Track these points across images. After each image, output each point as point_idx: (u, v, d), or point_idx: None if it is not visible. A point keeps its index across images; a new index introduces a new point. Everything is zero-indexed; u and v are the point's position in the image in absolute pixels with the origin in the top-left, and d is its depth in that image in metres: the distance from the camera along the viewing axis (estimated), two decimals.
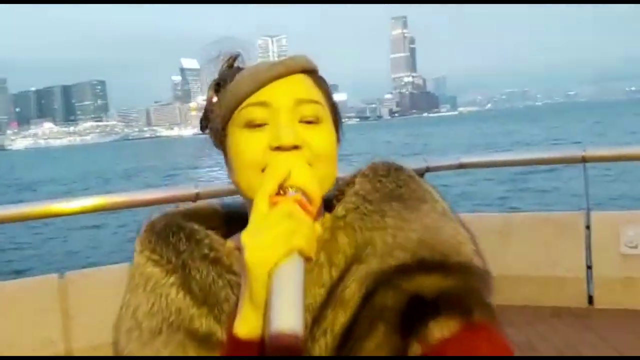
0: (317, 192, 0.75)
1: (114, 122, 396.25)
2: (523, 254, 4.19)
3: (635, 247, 3.90)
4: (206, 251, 0.81)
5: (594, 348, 3.45)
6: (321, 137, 0.81)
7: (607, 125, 59.53)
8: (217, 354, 0.74)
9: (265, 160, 0.79)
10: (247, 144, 0.81)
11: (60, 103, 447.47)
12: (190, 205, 0.94)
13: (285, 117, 0.80)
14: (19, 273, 11.29)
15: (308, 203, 0.73)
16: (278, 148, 0.78)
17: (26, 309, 3.35)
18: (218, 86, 0.88)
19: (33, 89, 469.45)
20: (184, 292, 0.79)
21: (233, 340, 0.69)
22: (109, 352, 2.93)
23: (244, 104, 0.82)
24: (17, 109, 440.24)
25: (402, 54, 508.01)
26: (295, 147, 0.78)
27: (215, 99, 0.88)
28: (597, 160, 4.19)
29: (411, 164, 4.31)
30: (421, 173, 4.17)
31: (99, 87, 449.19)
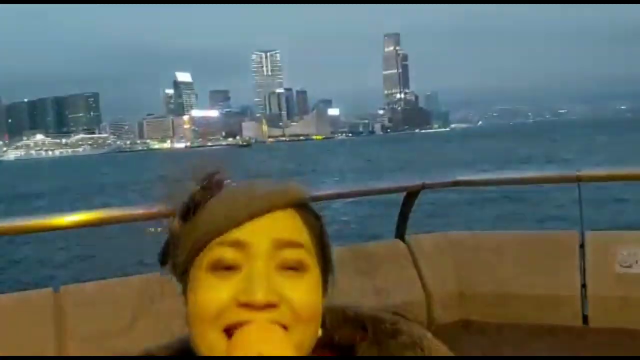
0: None
1: (106, 135, 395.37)
2: (518, 272, 4.21)
3: (630, 266, 3.93)
4: None
5: None
6: (304, 291, 0.70)
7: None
8: None
9: (230, 318, 0.67)
10: (211, 294, 0.68)
11: (53, 114, 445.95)
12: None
13: (262, 265, 0.68)
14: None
15: None
16: (247, 305, 0.67)
17: (20, 323, 3.32)
18: (186, 213, 0.73)
19: (26, 100, 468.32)
20: None
21: None
22: None
23: (213, 242, 0.70)
24: (9, 120, 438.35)
25: (394, 71, 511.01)
26: (270, 306, 0.67)
27: (180, 228, 0.74)
28: (592, 180, 4.25)
29: (408, 181, 4.36)
30: (417, 190, 4.20)
31: (92, 99, 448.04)
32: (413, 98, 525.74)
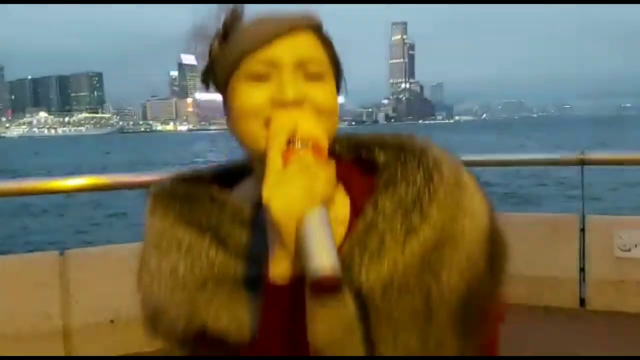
0: (325, 143, 0.79)
1: (109, 115, 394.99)
2: (518, 253, 4.18)
3: (629, 250, 3.97)
4: (232, 212, 0.84)
5: (586, 347, 3.50)
6: (324, 92, 0.83)
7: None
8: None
9: (268, 114, 0.80)
10: (250, 96, 0.82)
11: (56, 93, 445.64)
12: (186, 169, 0.96)
13: (289, 74, 0.81)
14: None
15: (319, 154, 0.77)
16: (281, 104, 0.80)
17: (27, 284, 3.37)
18: (223, 37, 0.85)
19: (30, 77, 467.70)
20: (222, 249, 0.83)
21: (269, 286, 0.74)
22: (106, 329, 2.97)
23: (247, 57, 0.82)
24: (13, 97, 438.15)
25: (400, 60, 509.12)
26: (298, 103, 0.80)
27: (219, 49, 0.86)
28: (596, 164, 4.26)
29: None
30: None
31: (96, 78, 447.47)
32: (418, 88, 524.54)
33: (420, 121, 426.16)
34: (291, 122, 0.78)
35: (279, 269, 0.74)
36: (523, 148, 42.15)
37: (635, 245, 3.93)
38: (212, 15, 0.87)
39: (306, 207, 0.70)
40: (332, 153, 0.86)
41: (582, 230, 4.13)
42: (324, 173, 0.74)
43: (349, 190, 0.87)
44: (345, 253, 0.78)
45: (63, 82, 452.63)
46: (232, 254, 0.82)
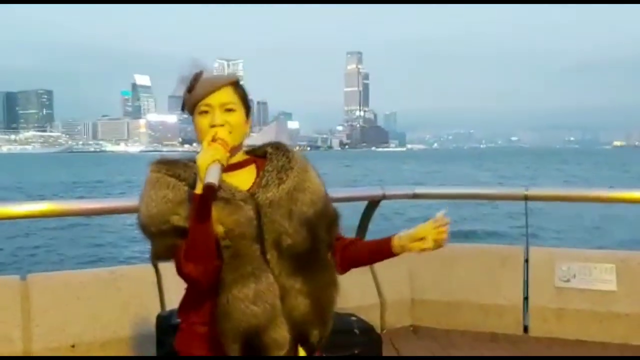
0: (230, 142, 1.58)
1: (58, 134, 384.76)
2: (466, 282, 4.47)
3: (568, 281, 4.25)
4: (193, 171, 1.58)
5: None
6: (234, 118, 1.65)
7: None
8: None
9: (210, 132, 1.60)
10: (201, 123, 1.65)
11: (3, 110, 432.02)
12: (173, 155, 1.85)
13: (217, 111, 1.64)
14: None
15: (225, 144, 1.56)
16: (213, 125, 1.62)
17: None
18: (189, 91, 1.66)
19: None
20: (189, 186, 1.60)
21: (194, 196, 1.52)
22: (66, 353, 3.04)
23: (199, 103, 1.65)
24: None
25: (355, 89, 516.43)
26: (221, 125, 1.62)
27: (187, 96, 1.67)
28: (538, 199, 4.56)
29: (369, 191, 4.58)
30: (378, 200, 4.44)
31: (46, 96, 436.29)
32: (372, 116, 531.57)
33: (373, 148, 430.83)
34: (214, 131, 1.59)
35: (198, 189, 1.52)
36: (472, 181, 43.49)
37: (574, 276, 4.23)
38: (186, 77, 1.67)
39: (210, 162, 1.50)
40: (255, 153, 1.78)
41: (527, 261, 4.41)
42: (221, 151, 1.54)
43: (258, 166, 1.74)
44: (253, 188, 1.67)
45: (11, 99, 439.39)
46: (190, 188, 1.59)
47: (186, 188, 1.60)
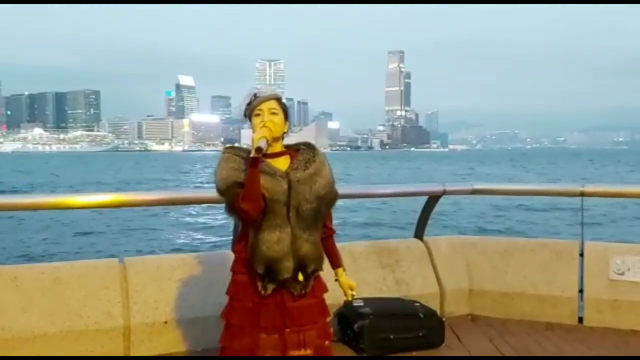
0: (272, 130, 2.52)
1: (105, 133, 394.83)
2: (522, 274, 4.71)
3: (622, 274, 4.44)
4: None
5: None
6: (276, 119, 2.55)
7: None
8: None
9: (259, 125, 2.52)
10: (256, 120, 2.55)
11: (53, 109, 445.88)
12: (235, 145, 2.73)
13: (266, 113, 2.55)
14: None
15: (269, 130, 2.50)
16: (264, 125, 2.51)
17: (92, 286, 3.80)
18: (248, 104, 2.60)
19: (26, 93, 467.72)
20: (246, 160, 2.50)
21: (250, 159, 2.43)
22: (159, 329, 3.50)
23: (255, 110, 2.57)
24: (8, 112, 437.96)
25: (396, 88, 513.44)
26: (269, 120, 2.53)
27: (247, 107, 2.61)
28: (595, 196, 4.75)
29: (430, 187, 4.86)
30: (439, 195, 4.71)
31: (93, 96, 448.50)
32: (413, 116, 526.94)
33: (412, 149, 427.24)
34: (264, 122, 2.53)
35: (252, 153, 2.41)
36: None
37: (628, 269, 4.41)
38: (248, 95, 2.63)
39: (259, 136, 2.45)
40: (291, 148, 2.65)
41: (581, 255, 4.62)
42: (266, 132, 2.48)
43: (292, 156, 2.61)
44: (288, 170, 2.54)
45: (60, 99, 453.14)
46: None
47: (239, 159, 2.52)
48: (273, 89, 2.74)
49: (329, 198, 2.58)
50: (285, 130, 2.61)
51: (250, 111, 2.59)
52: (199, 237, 17.99)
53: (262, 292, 2.51)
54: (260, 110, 2.55)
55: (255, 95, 2.60)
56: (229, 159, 2.53)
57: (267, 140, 2.45)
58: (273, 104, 2.57)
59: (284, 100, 2.65)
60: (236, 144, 2.86)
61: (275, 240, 2.46)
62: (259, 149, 2.39)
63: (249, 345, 2.53)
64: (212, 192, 4.28)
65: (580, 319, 4.56)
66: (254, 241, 2.48)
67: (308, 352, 2.53)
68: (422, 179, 51.74)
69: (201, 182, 47.30)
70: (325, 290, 2.70)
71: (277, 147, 2.59)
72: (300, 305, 2.55)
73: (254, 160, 2.40)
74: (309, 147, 2.65)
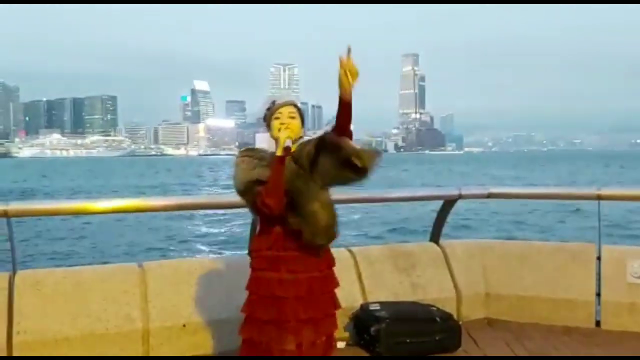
0: (292, 135, 2.65)
1: (122, 138, 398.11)
2: (539, 278, 4.70)
3: None
4: (262, 153, 2.80)
5: None
6: (294, 122, 2.70)
7: None
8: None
9: (279, 127, 2.68)
10: (275, 123, 2.70)
11: (70, 115, 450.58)
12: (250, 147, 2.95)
13: (284, 117, 2.70)
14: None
15: (291, 130, 2.66)
16: (282, 124, 2.68)
17: (112, 290, 3.87)
18: (268, 109, 2.75)
19: (44, 99, 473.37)
20: (260, 159, 2.75)
21: (276, 157, 2.63)
22: (178, 332, 3.54)
23: (275, 113, 2.71)
24: (27, 118, 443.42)
25: (411, 91, 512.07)
26: (287, 125, 2.67)
27: (267, 112, 2.75)
28: (612, 199, 4.73)
29: (445, 191, 4.86)
30: (454, 199, 4.72)
31: (110, 102, 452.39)
32: (428, 119, 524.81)
33: (427, 151, 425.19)
34: (284, 125, 2.68)
35: (278, 152, 2.61)
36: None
37: None
38: (267, 101, 2.80)
39: (285, 138, 2.61)
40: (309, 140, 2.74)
41: (599, 258, 4.60)
42: (289, 133, 2.64)
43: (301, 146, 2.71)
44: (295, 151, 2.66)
45: (77, 105, 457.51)
46: (269, 163, 2.69)
47: (256, 161, 2.73)
48: (291, 97, 2.93)
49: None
50: (301, 135, 2.73)
51: (269, 115, 2.73)
52: (217, 241, 18.13)
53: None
54: (280, 113, 2.70)
55: (274, 102, 2.76)
56: (243, 161, 2.73)
57: (291, 139, 2.61)
58: (291, 108, 2.73)
59: (299, 105, 2.80)
60: (249, 146, 2.99)
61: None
62: (287, 149, 2.58)
63: (269, 335, 2.68)
64: (227, 198, 4.44)
65: (598, 323, 4.54)
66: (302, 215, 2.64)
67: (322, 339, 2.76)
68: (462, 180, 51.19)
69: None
70: (337, 284, 2.87)
71: (293, 148, 2.71)
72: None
73: (281, 159, 2.59)
74: (318, 138, 2.74)
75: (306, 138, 2.79)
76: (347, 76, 2.42)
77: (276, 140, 2.66)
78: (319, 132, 2.74)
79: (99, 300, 3.82)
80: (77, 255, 15.35)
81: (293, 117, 2.71)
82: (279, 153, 2.59)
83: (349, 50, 2.41)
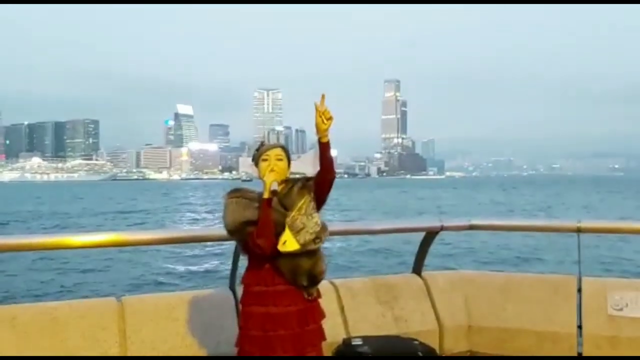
0: (278, 177, 2.91)
1: (103, 162, 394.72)
2: (521, 310, 4.69)
3: (621, 309, 4.44)
4: (258, 195, 2.92)
5: None
6: (281, 164, 2.92)
7: None
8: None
9: (266, 170, 2.89)
10: (263, 165, 2.90)
11: (52, 139, 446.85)
12: (242, 185, 3.19)
13: (272, 160, 2.91)
14: None
15: (277, 174, 2.89)
16: (269, 168, 2.88)
17: (90, 326, 3.78)
18: (257, 150, 2.96)
19: (26, 122, 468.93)
20: (250, 200, 2.92)
21: (263, 200, 2.83)
22: None
23: (263, 155, 2.92)
24: (7, 142, 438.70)
25: (393, 116, 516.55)
26: (274, 167, 2.88)
27: (256, 153, 2.96)
28: (591, 231, 4.77)
29: (427, 222, 4.87)
30: (436, 231, 4.73)
31: (92, 125, 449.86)
32: (410, 144, 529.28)
33: (408, 176, 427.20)
34: (271, 167, 2.89)
35: (265, 195, 2.83)
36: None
37: (627, 305, 4.41)
38: (255, 142, 3.17)
39: (271, 181, 2.85)
40: (295, 179, 2.97)
41: (579, 290, 4.61)
42: (276, 177, 2.89)
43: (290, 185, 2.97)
44: (281, 191, 2.94)
45: (59, 128, 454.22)
46: (258, 204, 2.86)
47: (246, 201, 2.88)
48: (279, 142, 3.22)
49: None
50: (288, 175, 2.97)
51: (258, 156, 2.94)
52: (197, 273, 17.80)
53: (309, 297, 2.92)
54: (267, 156, 2.91)
55: (262, 143, 2.98)
56: (233, 202, 2.89)
57: (277, 182, 2.88)
58: (279, 151, 2.94)
59: (283, 136, 3.09)
60: (237, 187, 3.10)
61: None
62: (275, 191, 2.86)
63: None
64: (211, 231, 4.40)
65: (580, 355, 4.54)
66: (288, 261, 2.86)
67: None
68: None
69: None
70: (323, 316, 3.05)
71: (280, 187, 2.98)
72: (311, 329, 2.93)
73: (268, 201, 2.81)
74: (301, 181, 3.00)
75: (292, 164, 3.01)
76: (322, 120, 2.69)
77: (264, 182, 2.85)
78: (305, 169, 2.98)
79: (76, 337, 3.73)
80: (54, 290, 15.00)
81: (280, 159, 2.91)
82: (265, 195, 2.81)
83: (322, 98, 2.70)
